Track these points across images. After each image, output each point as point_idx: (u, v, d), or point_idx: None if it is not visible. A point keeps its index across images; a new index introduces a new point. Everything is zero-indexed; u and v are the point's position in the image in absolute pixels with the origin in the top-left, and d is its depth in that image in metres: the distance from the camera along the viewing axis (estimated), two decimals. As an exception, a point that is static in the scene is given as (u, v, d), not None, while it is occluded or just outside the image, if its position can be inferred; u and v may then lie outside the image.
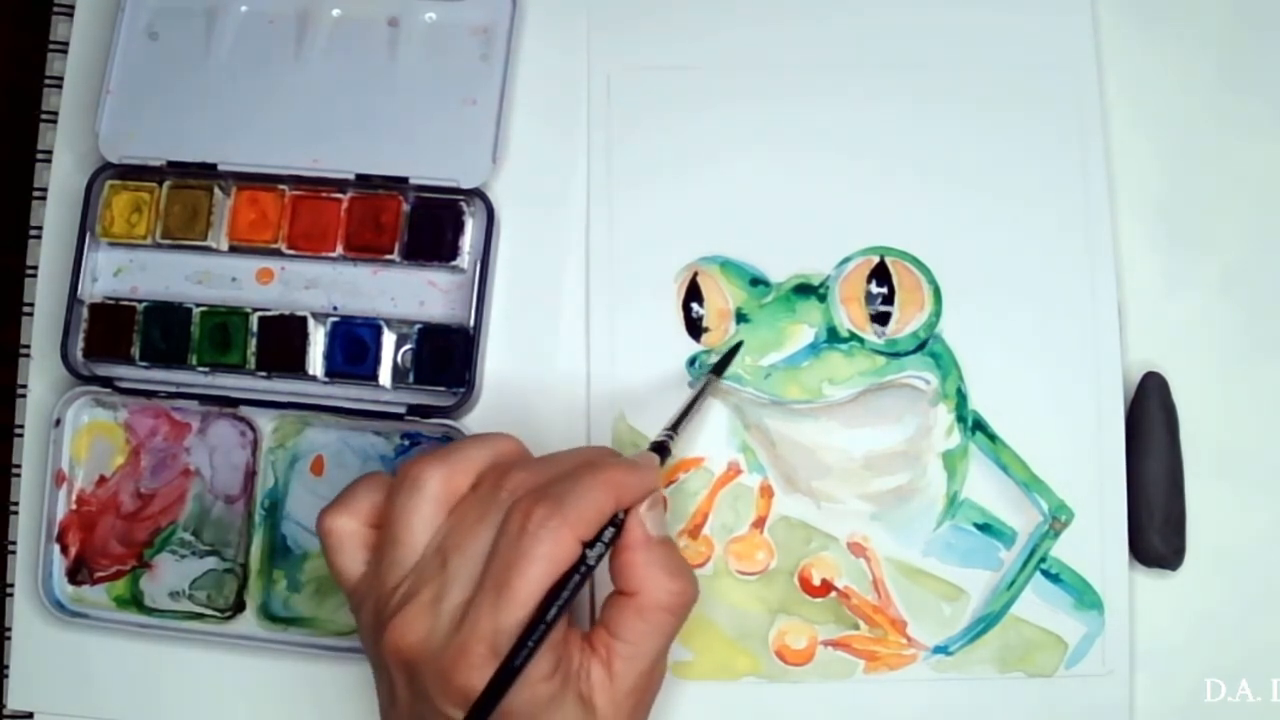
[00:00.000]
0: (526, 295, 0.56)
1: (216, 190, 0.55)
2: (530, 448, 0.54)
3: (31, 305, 0.57)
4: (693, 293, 0.55)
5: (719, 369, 0.53)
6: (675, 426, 0.50)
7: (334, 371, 0.55)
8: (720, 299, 0.55)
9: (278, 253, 0.55)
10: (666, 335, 0.55)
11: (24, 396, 0.57)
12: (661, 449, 0.48)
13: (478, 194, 0.55)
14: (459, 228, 0.55)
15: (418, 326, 0.54)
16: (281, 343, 0.55)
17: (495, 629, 0.41)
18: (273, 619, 0.55)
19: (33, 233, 0.58)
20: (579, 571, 0.42)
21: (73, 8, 0.59)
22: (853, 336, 0.54)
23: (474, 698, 0.40)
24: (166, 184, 0.56)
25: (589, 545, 0.42)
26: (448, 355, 0.54)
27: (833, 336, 0.55)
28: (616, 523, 0.43)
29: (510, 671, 0.40)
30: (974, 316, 0.54)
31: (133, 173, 0.56)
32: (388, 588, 0.43)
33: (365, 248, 0.55)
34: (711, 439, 0.54)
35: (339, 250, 0.55)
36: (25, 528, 0.56)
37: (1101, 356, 0.54)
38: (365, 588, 0.44)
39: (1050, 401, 0.54)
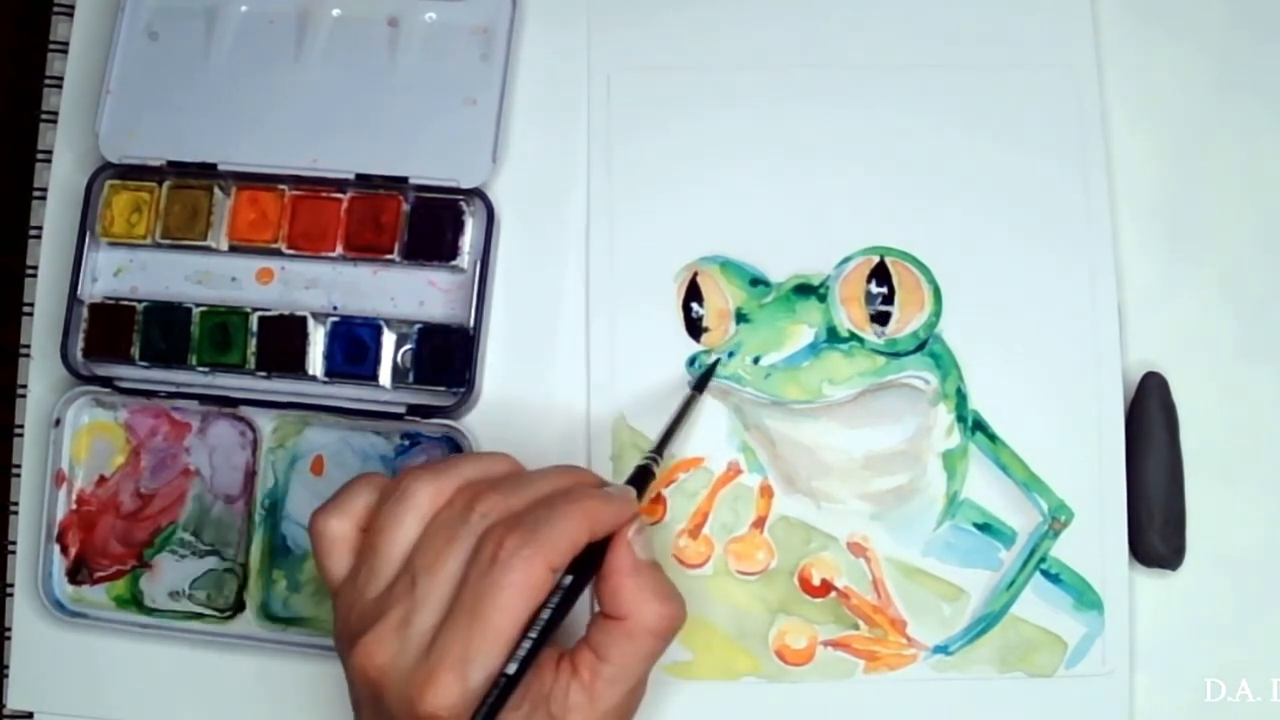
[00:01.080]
0: (526, 295, 0.56)
1: (216, 190, 0.55)
2: (530, 447, 0.55)
3: (31, 305, 0.57)
4: (693, 292, 0.55)
5: (700, 386, 0.53)
6: (660, 449, 0.50)
7: (334, 371, 0.55)
8: (720, 299, 0.55)
9: (278, 253, 0.55)
10: (666, 335, 0.55)
11: (24, 396, 0.57)
12: (645, 474, 0.48)
13: (478, 194, 0.55)
14: (459, 228, 0.55)
15: (418, 326, 0.54)
16: (281, 343, 0.55)
17: (465, 657, 0.40)
18: (272, 619, 0.55)
19: (33, 233, 0.58)
20: (551, 604, 0.42)
21: (73, 8, 0.59)
22: (853, 336, 0.54)
23: None
24: (166, 184, 0.56)
25: (573, 572, 0.42)
26: (448, 355, 0.54)
27: (833, 336, 0.55)
28: (599, 551, 0.43)
29: (490, 709, 0.40)
30: (974, 316, 0.54)
31: (133, 173, 0.56)
32: (365, 599, 0.43)
33: (365, 248, 0.55)
34: (711, 439, 0.54)
35: (339, 250, 0.55)
36: (25, 528, 0.56)
37: (1101, 356, 0.54)
38: (346, 593, 0.44)
39: (1050, 401, 0.54)
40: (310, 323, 0.55)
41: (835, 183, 0.55)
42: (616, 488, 0.46)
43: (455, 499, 0.43)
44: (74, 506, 0.56)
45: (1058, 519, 0.53)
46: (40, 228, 0.58)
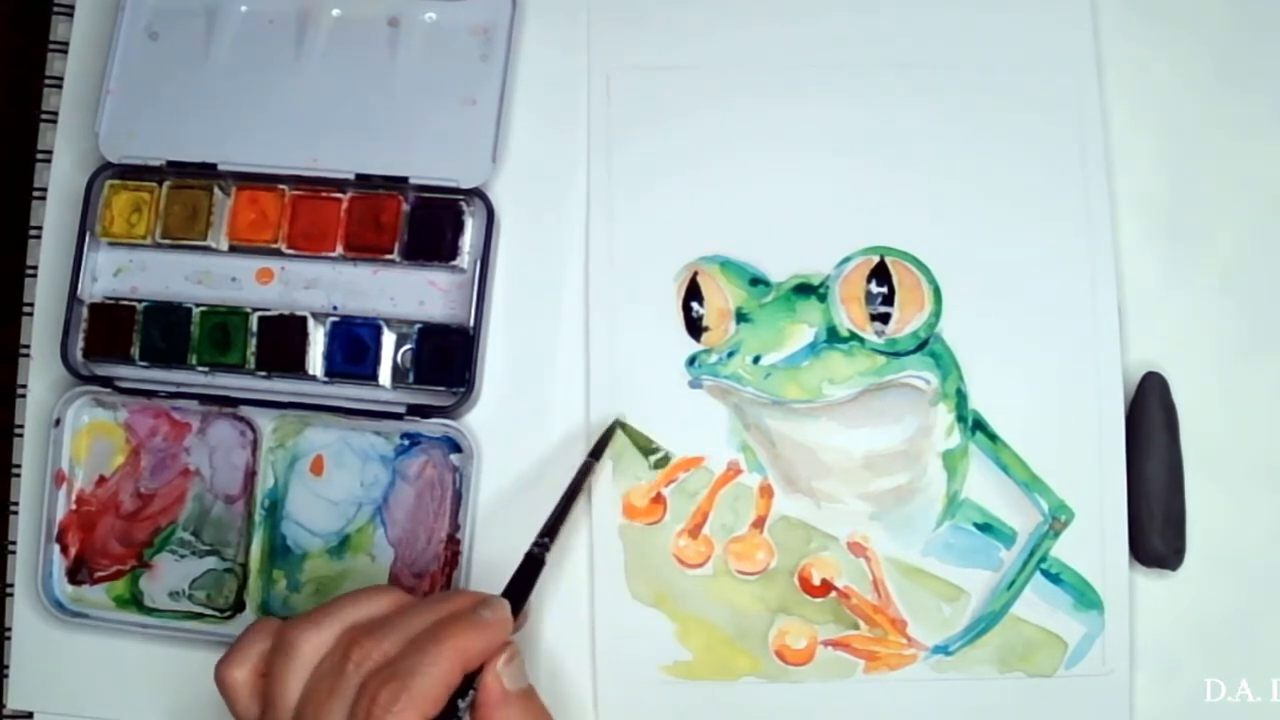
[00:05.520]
0: (526, 295, 0.56)
1: (216, 190, 0.55)
2: (531, 448, 0.55)
3: (31, 305, 0.57)
4: (693, 292, 0.55)
5: (597, 453, 0.53)
6: (551, 531, 0.49)
7: (334, 371, 0.55)
8: (720, 298, 0.55)
9: (278, 253, 0.55)
10: (666, 335, 0.55)
11: (24, 396, 0.57)
12: (532, 564, 0.48)
13: (478, 194, 0.55)
14: (459, 228, 0.55)
15: (418, 326, 0.54)
16: (281, 343, 0.55)
17: None
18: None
19: (33, 233, 0.58)
20: None
21: (73, 8, 0.59)
22: (853, 336, 0.54)
23: None
24: (166, 184, 0.56)
25: (446, 713, 0.42)
26: (448, 355, 0.54)
27: (833, 336, 0.55)
28: (474, 684, 0.44)
29: None
30: (974, 316, 0.54)
31: (133, 172, 0.56)
32: None
33: (365, 248, 0.55)
34: (711, 438, 0.54)
35: (339, 250, 0.55)
36: (25, 528, 0.56)
37: (1101, 356, 0.54)
38: None
39: (1050, 401, 0.54)
40: (310, 323, 0.55)
41: (835, 182, 0.55)
42: (492, 608, 0.45)
43: (335, 647, 0.44)
44: (74, 506, 0.56)
45: (1058, 519, 0.53)
46: (40, 228, 0.58)
